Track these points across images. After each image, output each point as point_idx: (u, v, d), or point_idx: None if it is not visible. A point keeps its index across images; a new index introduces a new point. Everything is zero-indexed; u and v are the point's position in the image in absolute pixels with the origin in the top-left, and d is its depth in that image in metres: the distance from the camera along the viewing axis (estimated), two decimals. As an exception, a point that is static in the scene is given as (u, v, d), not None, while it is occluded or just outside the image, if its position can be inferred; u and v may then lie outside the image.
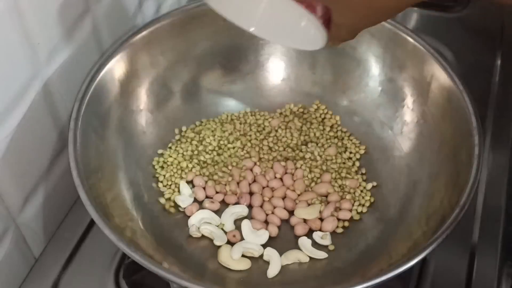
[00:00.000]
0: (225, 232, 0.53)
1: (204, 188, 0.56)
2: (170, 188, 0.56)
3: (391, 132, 0.57)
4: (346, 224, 0.54)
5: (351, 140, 0.59)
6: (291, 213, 0.54)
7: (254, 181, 0.56)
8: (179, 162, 0.57)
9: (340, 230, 0.53)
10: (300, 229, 0.53)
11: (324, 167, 0.57)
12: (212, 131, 0.59)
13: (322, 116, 0.61)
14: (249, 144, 0.59)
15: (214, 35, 0.59)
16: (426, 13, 0.76)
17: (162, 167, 0.57)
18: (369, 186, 0.56)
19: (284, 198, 0.55)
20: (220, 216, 0.54)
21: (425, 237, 0.44)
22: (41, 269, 0.53)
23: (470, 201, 0.44)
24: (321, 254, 0.51)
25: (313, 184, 0.56)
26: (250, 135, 0.60)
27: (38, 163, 0.52)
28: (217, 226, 0.53)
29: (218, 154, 0.58)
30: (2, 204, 0.48)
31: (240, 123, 0.60)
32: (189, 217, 0.53)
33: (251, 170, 0.57)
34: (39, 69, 0.48)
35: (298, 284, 0.50)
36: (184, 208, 0.54)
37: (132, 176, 0.54)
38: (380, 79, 0.58)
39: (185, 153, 0.58)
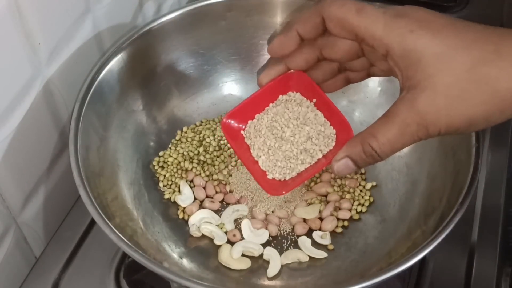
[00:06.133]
0: (225, 232, 0.53)
1: (204, 188, 0.56)
2: (170, 188, 0.56)
3: (390, 132, 0.57)
4: (346, 223, 0.54)
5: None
6: (291, 212, 0.54)
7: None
8: (179, 162, 0.57)
9: (339, 230, 0.53)
10: (300, 229, 0.53)
11: (323, 167, 0.57)
12: (212, 131, 0.59)
13: (322, 116, 0.61)
14: (249, 144, 0.59)
15: (215, 35, 0.59)
16: (426, 13, 0.76)
17: (162, 167, 0.57)
18: (369, 185, 0.56)
19: (284, 197, 0.55)
20: (220, 216, 0.54)
21: (424, 237, 0.44)
22: (42, 269, 0.53)
23: (469, 200, 0.44)
24: (321, 254, 0.51)
25: (312, 183, 0.56)
26: (250, 135, 0.60)
27: (39, 163, 0.52)
28: (217, 225, 0.53)
29: (218, 154, 0.58)
30: (3, 204, 0.48)
31: (240, 123, 0.60)
32: (189, 216, 0.54)
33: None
34: (40, 69, 0.48)
35: (298, 284, 0.50)
36: (185, 207, 0.54)
37: (133, 176, 0.54)
38: (380, 79, 0.58)
39: (185, 153, 0.58)
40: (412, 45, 0.35)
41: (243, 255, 0.51)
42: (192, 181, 0.56)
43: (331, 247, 0.52)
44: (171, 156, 0.57)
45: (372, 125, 0.38)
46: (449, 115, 0.35)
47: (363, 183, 0.56)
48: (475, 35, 0.35)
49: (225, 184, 0.56)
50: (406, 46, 0.35)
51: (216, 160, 0.58)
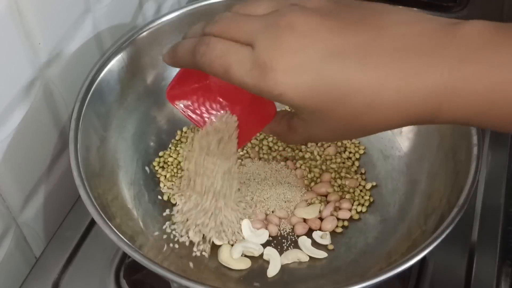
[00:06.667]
0: (225, 232, 0.53)
1: (204, 188, 0.56)
2: (170, 188, 0.56)
3: (390, 132, 0.57)
4: (346, 223, 0.54)
5: (351, 140, 0.59)
6: (291, 212, 0.54)
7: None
8: (179, 162, 0.57)
9: (339, 230, 0.53)
10: (300, 229, 0.53)
11: (323, 167, 0.57)
12: (212, 131, 0.59)
13: (322, 116, 0.61)
14: (249, 144, 0.59)
15: (214, 35, 0.59)
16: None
17: (163, 167, 0.57)
18: (369, 185, 0.56)
19: (284, 197, 0.55)
20: (220, 216, 0.54)
21: (424, 237, 0.44)
22: (41, 269, 0.53)
23: (469, 200, 0.44)
24: (321, 254, 0.51)
25: (312, 183, 0.56)
26: (250, 135, 0.60)
27: (39, 163, 0.52)
28: (217, 225, 0.53)
29: (218, 154, 0.58)
30: (3, 204, 0.48)
31: (240, 123, 0.60)
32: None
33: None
34: (40, 70, 0.48)
35: (298, 284, 0.50)
36: (184, 207, 0.54)
37: (133, 176, 0.54)
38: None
39: (185, 153, 0.58)
40: (285, 103, 0.37)
41: (243, 255, 0.51)
42: (192, 181, 0.56)
43: (331, 247, 0.52)
44: (171, 156, 0.57)
45: (288, 124, 0.43)
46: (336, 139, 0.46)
47: (363, 183, 0.56)
48: (342, 91, 0.35)
49: (225, 184, 0.56)
50: (279, 102, 0.37)
51: (216, 160, 0.58)
